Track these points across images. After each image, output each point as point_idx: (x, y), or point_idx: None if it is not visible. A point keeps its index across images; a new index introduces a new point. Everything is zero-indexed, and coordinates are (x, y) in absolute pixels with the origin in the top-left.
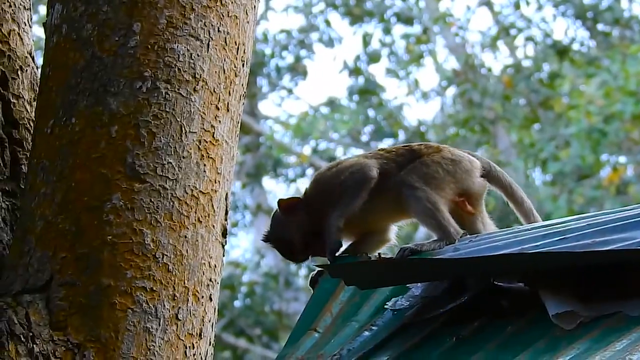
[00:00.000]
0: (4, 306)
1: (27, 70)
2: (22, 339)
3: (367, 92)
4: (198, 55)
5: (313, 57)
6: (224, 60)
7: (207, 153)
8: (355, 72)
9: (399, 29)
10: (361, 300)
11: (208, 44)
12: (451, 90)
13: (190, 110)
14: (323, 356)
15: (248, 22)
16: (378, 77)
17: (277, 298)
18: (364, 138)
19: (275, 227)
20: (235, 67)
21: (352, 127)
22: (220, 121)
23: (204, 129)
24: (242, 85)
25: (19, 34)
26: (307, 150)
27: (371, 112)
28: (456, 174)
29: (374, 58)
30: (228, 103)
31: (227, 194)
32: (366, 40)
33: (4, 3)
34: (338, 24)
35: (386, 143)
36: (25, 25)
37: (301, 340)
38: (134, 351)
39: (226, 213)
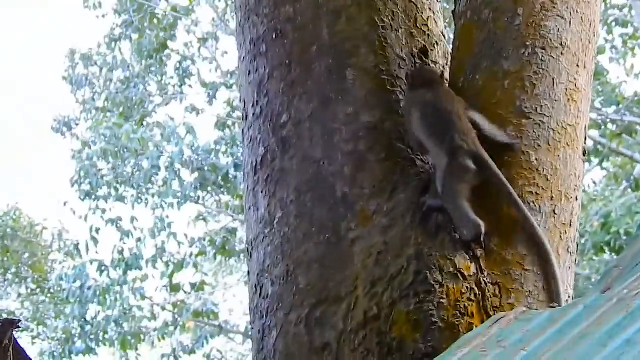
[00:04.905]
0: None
1: (440, 44)
2: (447, 230)
3: None
4: (563, 29)
5: None
6: (581, 32)
7: (572, 97)
8: None
9: None
10: None
11: (570, 21)
12: None
13: (559, 68)
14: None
15: (597, 4)
16: None
17: None
18: None
19: None
20: (588, 37)
21: None
22: (580, 75)
23: (569, 80)
24: (594, 49)
25: (434, 19)
26: None
27: None
28: None
29: None
30: (585, 62)
31: (585, 126)
32: None
33: None
34: None
35: None
36: (437, 12)
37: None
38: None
39: (585, 139)
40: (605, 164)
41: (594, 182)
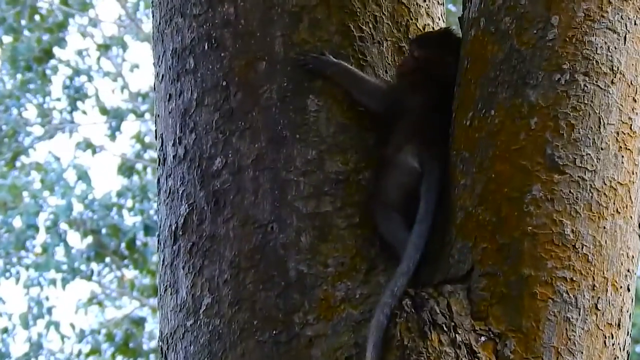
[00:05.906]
0: (426, 296)
1: None
2: (445, 328)
3: None
4: (615, 48)
5: None
6: None
7: (625, 145)
8: None
9: None
10: None
11: (625, 37)
12: None
13: (608, 103)
14: None
15: None
16: None
17: None
18: None
19: None
20: None
21: None
22: (637, 113)
23: (621, 120)
24: None
25: (432, 28)
26: None
27: None
28: None
29: None
30: None
31: None
32: None
33: None
34: None
35: None
36: (439, 19)
37: None
38: (555, 341)
39: None
40: None
41: None
